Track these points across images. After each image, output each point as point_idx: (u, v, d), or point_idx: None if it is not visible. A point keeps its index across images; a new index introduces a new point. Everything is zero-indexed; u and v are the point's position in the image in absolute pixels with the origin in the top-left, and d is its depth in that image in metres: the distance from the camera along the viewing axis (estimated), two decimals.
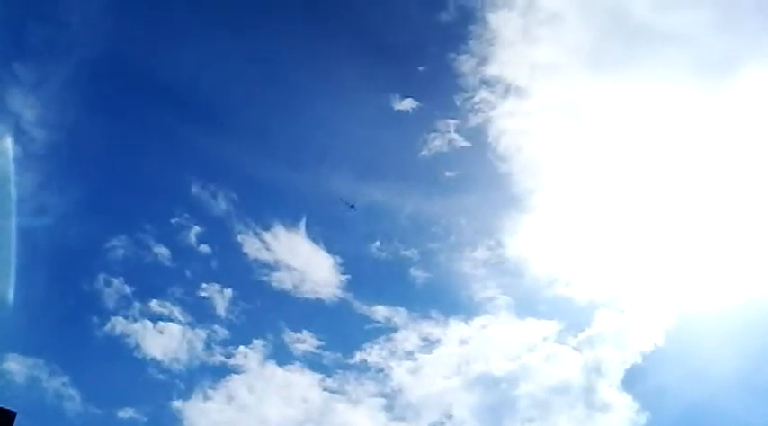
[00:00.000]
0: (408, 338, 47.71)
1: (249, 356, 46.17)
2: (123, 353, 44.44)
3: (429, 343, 47.71)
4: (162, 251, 46.92)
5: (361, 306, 48.19)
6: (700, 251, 48.70)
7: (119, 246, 46.14)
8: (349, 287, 48.11)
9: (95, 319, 45.01)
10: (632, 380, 44.86)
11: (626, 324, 46.52)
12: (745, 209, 48.17)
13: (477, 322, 48.09)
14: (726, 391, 43.88)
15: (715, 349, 44.65)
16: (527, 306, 48.61)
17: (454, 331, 47.97)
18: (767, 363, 44.55)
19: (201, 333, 46.00)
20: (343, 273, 48.29)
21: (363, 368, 46.87)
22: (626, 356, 45.31)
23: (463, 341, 47.87)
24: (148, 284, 47.31)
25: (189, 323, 46.02)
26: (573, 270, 48.46)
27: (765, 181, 48.12)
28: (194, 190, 48.04)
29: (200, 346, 45.72)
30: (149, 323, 45.14)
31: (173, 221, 48.33)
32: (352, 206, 47.66)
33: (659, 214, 50.06)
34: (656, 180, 49.78)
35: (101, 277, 45.40)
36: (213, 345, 45.93)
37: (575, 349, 46.37)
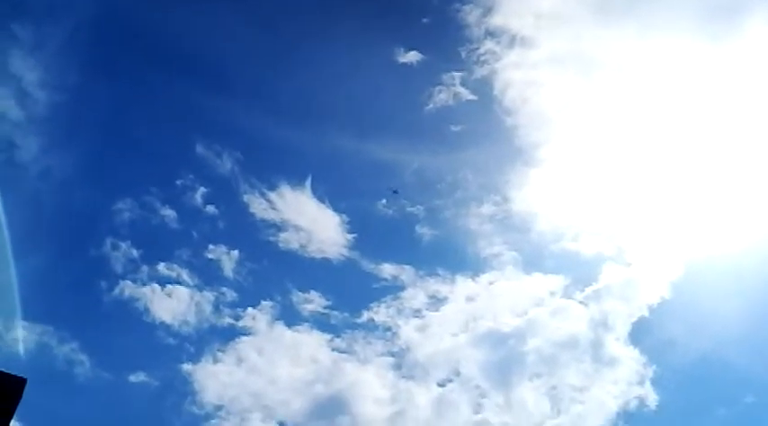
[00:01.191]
0: (415, 296, 47.62)
1: (257, 317, 46.16)
2: (132, 317, 44.36)
3: (436, 301, 47.64)
4: (168, 213, 46.44)
5: (367, 265, 47.99)
6: (705, 202, 48.40)
7: (125, 209, 45.62)
8: (355, 245, 47.82)
9: (103, 284, 44.62)
10: (639, 334, 45.03)
11: (633, 278, 46.40)
12: (752, 159, 47.61)
13: (484, 278, 47.93)
14: (734, 342, 44.28)
15: (722, 300, 44.85)
16: (534, 261, 48.42)
17: (461, 288, 47.84)
18: None
19: (210, 296, 45.88)
20: (350, 232, 47.97)
21: (371, 327, 46.91)
22: (633, 309, 45.33)
23: (470, 298, 47.81)
24: (156, 247, 46.97)
25: (197, 286, 45.83)
26: (580, 225, 47.98)
27: None
28: (199, 150, 47.29)
29: (208, 309, 45.65)
30: (157, 287, 44.93)
31: (178, 182, 47.68)
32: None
33: (666, 165, 49.50)
34: (663, 130, 48.99)
35: (108, 241, 44.89)
36: (221, 307, 45.84)
37: (581, 303, 46.34)
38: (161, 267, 45.33)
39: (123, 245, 44.84)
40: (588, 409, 43.82)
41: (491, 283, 47.93)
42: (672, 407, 43.55)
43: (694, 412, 43.82)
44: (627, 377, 44.22)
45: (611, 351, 44.99)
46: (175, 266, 45.59)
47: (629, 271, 46.82)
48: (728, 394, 44.18)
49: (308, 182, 48.02)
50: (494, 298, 47.72)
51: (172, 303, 44.89)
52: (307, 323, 46.47)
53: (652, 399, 43.29)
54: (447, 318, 47.43)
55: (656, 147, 49.53)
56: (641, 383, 43.84)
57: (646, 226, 48.89)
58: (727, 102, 47.63)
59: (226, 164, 47.36)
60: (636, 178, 49.93)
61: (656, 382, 43.56)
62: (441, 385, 45.59)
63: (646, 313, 45.07)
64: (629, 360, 44.50)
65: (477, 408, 44.64)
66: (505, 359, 45.49)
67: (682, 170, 49.46)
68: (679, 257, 46.03)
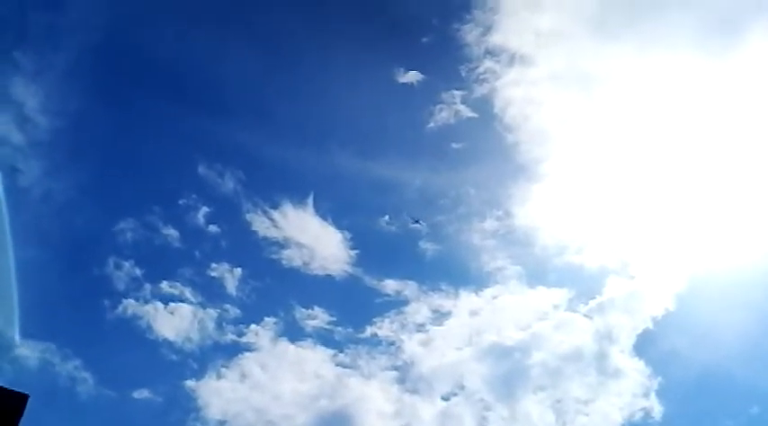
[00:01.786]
0: (419, 310, 48.01)
1: (261, 334, 46.57)
2: (135, 335, 44.77)
3: (440, 315, 48.04)
4: (171, 232, 47.07)
5: (371, 281, 48.48)
6: (708, 215, 48.51)
7: (127, 229, 46.22)
8: (358, 262, 48.29)
9: (107, 302, 45.17)
10: (644, 346, 45.16)
11: (636, 290, 46.61)
12: (753, 173, 47.79)
13: (488, 292, 48.34)
14: (738, 354, 44.39)
15: (726, 312, 44.98)
16: (537, 274, 48.72)
17: (464, 302, 48.24)
18: None
19: (213, 313, 46.34)
20: (353, 248, 48.45)
21: (375, 341, 47.26)
22: (637, 322, 45.50)
23: (474, 312, 48.12)
24: (158, 266, 47.49)
25: (200, 303, 46.33)
26: (583, 238, 48.50)
27: None
28: (201, 170, 48.03)
29: (211, 325, 46.09)
30: (160, 305, 45.43)
31: (180, 202, 48.41)
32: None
33: (667, 179, 49.68)
34: (663, 145, 49.31)
35: (111, 260, 45.48)
36: (225, 324, 46.30)
37: (585, 316, 46.61)
38: (164, 285, 45.94)
39: (126, 264, 45.51)
40: (593, 421, 44.06)
41: (494, 297, 48.42)
42: (677, 419, 43.70)
43: (700, 423, 43.96)
44: (632, 389, 44.38)
45: (615, 364, 45.19)
46: (178, 284, 46.19)
47: (633, 284, 47.15)
48: (733, 406, 44.25)
49: (311, 200, 48.66)
50: (497, 312, 48.08)
51: (175, 320, 45.47)
52: (310, 339, 46.99)
53: (657, 411, 43.48)
54: (451, 332, 47.84)
55: (657, 162, 49.82)
56: (646, 395, 44.04)
57: (649, 240, 49.23)
58: (728, 117, 48.14)
59: (228, 184, 48.09)
60: (638, 192, 50.21)
61: (660, 394, 43.77)
62: (445, 398, 45.93)
63: (650, 325, 45.32)
64: (634, 372, 44.67)
65: (482, 421, 44.91)
66: (510, 372, 45.78)
67: (684, 183, 49.77)
68: (683, 270, 46.55)
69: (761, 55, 45.83)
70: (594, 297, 46.74)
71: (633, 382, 44.32)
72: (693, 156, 48.90)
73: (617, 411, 43.84)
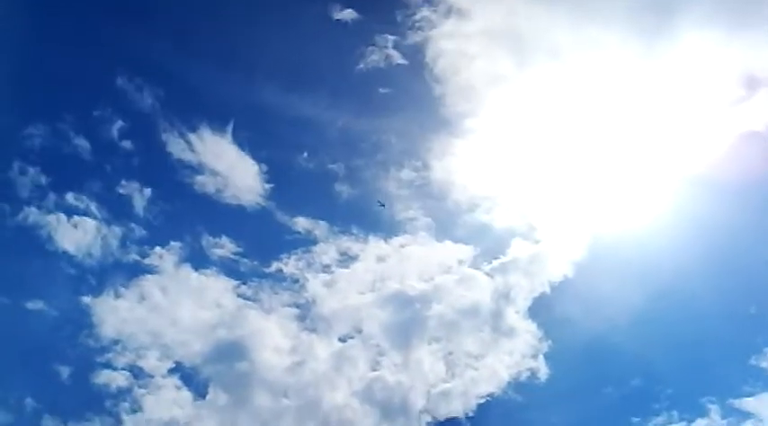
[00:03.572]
0: (327, 251, 48.21)
1: (164, 257, 46.11)
2: (34, 244, 43.89)
3: (347, 258, 48.34)
4: (82, 143, 45.86)
5: (282, 216, 48.35)
6: (617, 188, 49.74)
7: (36, 135, 44.86)
8: (272, 195, 48.05)
9: (7, 207, 43.92)
10: (539, 309, 46.53)
11: (539, 254, 47.64)
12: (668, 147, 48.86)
13: (397, 241, 48.84)
14: (626, 326, 46.18)
15: (621, 284, 46.74)
16: (446, 229, 49.09)
17: (373, 248, 48.60)
18: (668, 301, 46.75)
19: (117, 231, 45.66)
20: (268, 182, 48.11)
21: (279, 277, 47.32)
22: (535, 285, 46.78)
23: (380, 259, 48.55)
24: (65, 176, 46.16)
25: (105, 220, 45.56)
26: (495, 198, 48.77)
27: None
28: (120, 82, 46.67)
29: (114, 243, 45.44)
30: (63, 217, 44.54)
31: (95, 113, 47.05)
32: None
33: (585, 150, 50.46)
34: (583, 116, 49.96)
35: (15, 165, 44.17)
36: (128, 243, 45.69)
37: (487, 274, 47.54)
38: (69, 196, 45.01)
39: (32, 171, 44.33)
40: (481, 375, 45.19)
41: (402, 246, 48.92)
42: (560, 382, 44.99)
43: (582, 388, 45.28)
44: (522, 349, 45.75)
45: (509, 323, 46.41)
46: (84, 197, 45.27)
47: (537, 248, 48.19)
48: (616, 376, 45.83)
49: (230, 128, 47.95)
50: (403, 261, 48.58)
51: (77, 234, 44.64)
52: (214, 268, 46.79)
53: (543, 372, 45.09)
54: (355, 276, 48.21)
55: (576, 131, 50.41)
56: (535, 356, 45.50)
57: (558, 206, 49.84)
58: (648, 92, 49.08)
59: (146, 100, 46.91)
60: (554, 159, 50.73)
61: (548, 357, 45.28)
62: (342, 340, 46.44)
63: (547, 289, 46.76)
64: (526, 334, 46.03)
65: (375, 365, 45.71)
66: (408, 321, 46.50)
67: (601, 155, 50.56)
68: (584, 239, 47.29)
69: (687, 41, 46.74)
70: (498, 257, 47.82)
71: (524, 343, 45.76)
72: (610, 130, 49.78)
73: (505, 368, 45.24)
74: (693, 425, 43.76)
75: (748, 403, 43.87)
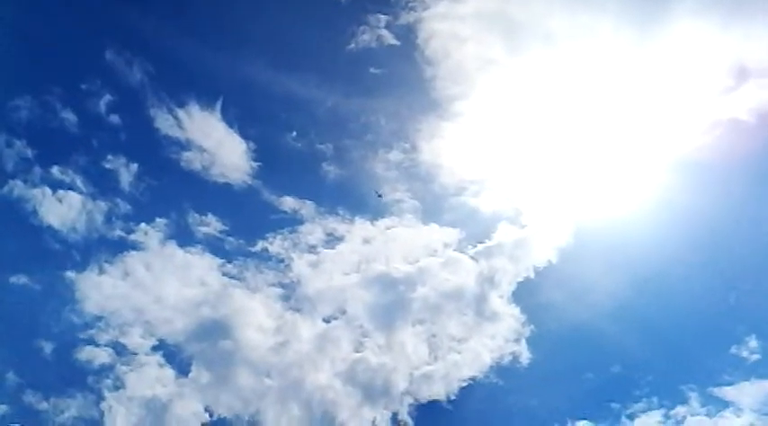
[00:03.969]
0: (313, 232, 48.22)
1: (150, 234, 45.97)
2: (19, 218, 43.67)
3: (333, 239, 48.40)
4: (69, 116, 45.51)
5: (269, 195, 48.25)
6: (605, 175, 49.78)
7: (23, 107, 44.41)
8: (259, 174, 47.90)
9: None
10: (522, 294, 46.71)
11: (524, 239, 47.81)
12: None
13: (383, 223, 48.90)
14: (608, 313, 46.44)
15: (604, 271, 47.07)
16: (433, 211, 49.25)
17: (359, 229, 48.70)
18: (650, 289, 47.08)
19: (103, 206, 45.44)
20: (255, 160, 47.94)
21: (265, 256, 47.30)
22: (520, 270, 46.95)
23: (366, 240, 48.62)
24: (52, 149, 45.79)
25: (90, 194, 45.30)
26: (482, 182, 48.80)
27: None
28: (109, 56, 46.16)
29: (99, 219, 45.22)
30: (49, 191, 44.27)
31: (83, 86, 46.59)
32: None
33: (575, 135, 50.42)
34: (574, 103, 49.93)
35: (1, 137, 43.76)
36: (114, 219, 45.52)
37: (472, 258, 47.68)
38: (55, 170, 44.71)
39: (18, 144, 43.91)
40: (464, 359, 45.30)
41: (389, 228, 49.00)
42: (542, 367, 45.25)
43: (563, 373, 45.57)
44: (505, 333, 45.90)
45: (493, 307, 46.59)
46: (70, 171, 44.97)
47: (523, 233, 48.29)
48: (597, 361, 46.07)
49: (219, 105, 47.64)
50: (389, 243, 48.68)
51: (62, 208, 44.36)
52: (200, 246, 46.69)
53: (525, 357, 45.23)
54: (341, 257, 48.26)
55: (565, 117, 50.43)
56: (518, 340, 45.66)
57: (545, 192, 49.98)
58: (637, 83, 49.07)
59: (135, 75, 46.48)
60: (543, 145, 50.77)
61: (531, 341, 45.45)
62: (326, 320, 46.51)
63: (531, 275, 46.90)
64: (509, 318, 46.22)
65: (359, 347, 45.80)
66: (392, 303, 46.60)
67: (589, 142, 50.63)
68: (570, 225, 47.43)
69: (680, 35, 46.71)
70: (484, 241, 47.95)
71: (507, 327, 45.97)
72: (602, 114, 49.71)
73: (488, 352, 45.43)
74: (673, 412, 44.00)
75: (727, 392, 44.22)
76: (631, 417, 44.11)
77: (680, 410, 44.17)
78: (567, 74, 50.25)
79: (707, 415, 43.96)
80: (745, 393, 44.31)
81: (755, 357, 44.93)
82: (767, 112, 47.72)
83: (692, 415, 44.01)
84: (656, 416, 44.10)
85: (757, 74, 47.90)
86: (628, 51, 48.76)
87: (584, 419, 43.75)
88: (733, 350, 45.30)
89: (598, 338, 46.33)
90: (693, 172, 48.12)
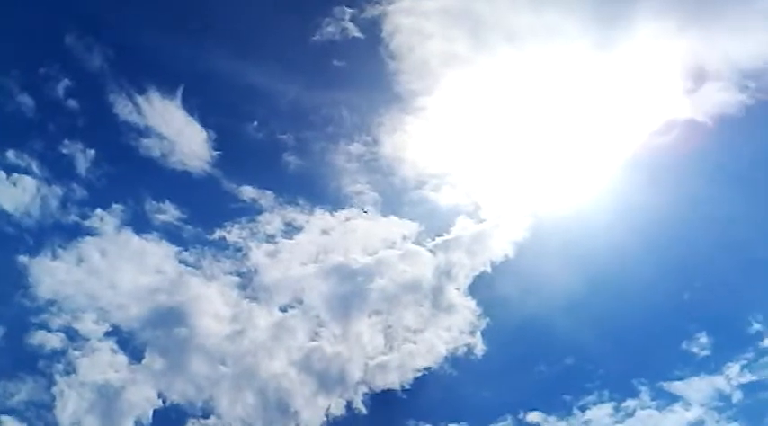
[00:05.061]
0: (271, 221, 48.15)
1: (106, 220, 45.62)
2: None
3: (291, 229, 48.34)
4: (25, 100, 45.01)
5: (228, 184, 48.10)
6: (564, 173, 50.36)
7: None
8: (219, 163, 47.74)
9: None
10: (479, 287, 47.07)
11: (482, 234, 48.10)
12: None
13: (342, 214, 48.89)
14: (562, 308, 46.95)
15: (560, 266, 47.60)
16: (392, 204, 49.29)
17: (318, 220, 48.65)
18: (604, 284, 47.75)
19: (58, 190, 45.00)
20: (215, 149, 47.79)
21: (222, 245, 47.16)
22: (477, 263, 47.28)
23: (325, 232, 48.61)
24: (6, 133, 45.33)
25: (46, 179, 44.84)
26: (443, 176, 49.10)
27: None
28: (68, 40, 45.74)
29: (54, 203, 44.79)
30: (3, 174, 43.77)
31: (41, 70, 46.08)
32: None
33: (535, 133, 50.94)
34: (538, 98, 50.39)
35: None
36: (69, 204, 45.08)
37: (430, 251, 47.89)
38: (10, 154, 44.18)
39: None
40: (419, 349, 45.68)
41: (348, 219, 49.01)
42: (496, 358, 45.84)
43: (516, 365, 46.36)
44: (460, 325, 46.32)
45: (449, 300, 46.91)
46: (25, 155, 44.48)
47: (481, 227, 48.61)
48: (550, 354, 46.73)
49: (179, 93, 47.45)
50: (348, 234, 48.68)
51: (16, 192, 43.91)
52: (156, 233, 46.44)
53: (479, 349, 45.72)
54: (299, 247, 48.18)
55: (526, 115, 50.89)
56: (473, 333, 46.10)
57: (505, 188, 50.35)
58: (598, 84, 49.68)
59: (95, 60, 46.07)
60: (504, 141, 51.16)
61: (485, 334, 45.91)
62: (282, 310, 46.53)
63: (488, 269, 47.31)
64: (465, 310, 46.58)
65: (314, 336, 45.93)
66: (349, 293, 46.76)
67: (549, 141, 51.16)
68: (527, 221, 47.97)
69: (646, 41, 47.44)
70: (442, 235, 48.23)
71: (463, 319, 46.35)
72: (563, 113, 50.32)
73: (443, 343, 45.79)
74: (623, 405, 44.74)
75: (677, 387, 45.06)
76: (582, 409, 44.83)
77: (630, 403, 44.97)
78: (529, 72, 50.66)
79: (657, 409, 44.80)
80: (694, 388, 45.22)
81: (705, 353, 45.90)
82: (723, 114, 48.56)
83: (642, 408, 44.82)
84: (606, 408, 44.87)
85: (715, 77, 48.72)
86: (589, 51, 49.24)
87: (536, 410, 44.41)
88: (684, 345, 46.26)
89: (552, 332, 46.95)
90: (650, 170, 48.82)
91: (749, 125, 47.63)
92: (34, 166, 44.46)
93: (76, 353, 42.51)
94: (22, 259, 43.21)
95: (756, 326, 45.68)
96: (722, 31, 47.82)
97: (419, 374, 44.74)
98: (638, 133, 49.69)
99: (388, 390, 44.30)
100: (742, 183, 48.12)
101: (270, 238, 47.86)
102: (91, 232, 45.10)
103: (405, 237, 48.48)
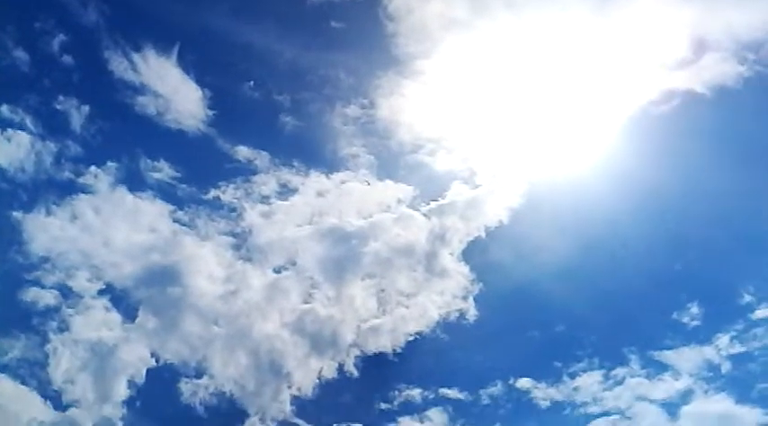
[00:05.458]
0: (267, 182, 48.06)
1: (100, 177, 45.42)
2: None
3: (286, 191, 48.27)
4: (20, 55, 44.51)
5: (223, 144, 47.90)
6: (560, 139, 50.23)
7: None
8: (214, 122, 47.48)
9: None
10: (472, 252, 47.04)
11: (477, 199, 48.08)
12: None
13: (338, 176, 48.81)
14: (555, 274, 46.94)
15: (554, 232, 47.70)
16: (388, 168, 49.21)
17: (313, 182, 48.60)
18: (597, 252, 47.98)
19: (52, 147, 44.74)
20: (211, 108, 47.49)
21: (217, 205, 47.10)
22: (471, 229, 47.27)
23: (320, 194, 48.57)
24: (1, 88, 44.88)
25: (40, 135, 44.54)
26: (439, 141, 48.94)
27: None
28: None
29: (49, 160, 44.54)
30: None
31: (36, 25, 45.53)
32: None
33: (533, 98, 50.67)
34: (536, 64, 50.10)
35: None
36: (63, 161, 44.85)
37: (425, 215, 47.88)
38: (4, 109, 43.77)
39: None
40: (412, 313, 45.84)
41: (343, 182, 48.97)
42: (488, 324, 45.95)
43: (508, 330, 46.48)
44: (453, 290, 46.41)
45: (443, 264, 46.93)
46: (20, 111, 44.10)
47: (476, 192, 48.61)
48: (542, 321, 46.85)
49: (176, 50, 46.95)
50: (343, 197, 48.67)
51: (10, 147, 43.59)
52: (151, 191, 46.30)
53: (472, 314, 45.85)
54: (294, 209, 48.18)
55: (524, 81, 50.55)
56: (465, 298, 46.22)
57: (501, 154, 50.28)
58: (596, 51, 49.41)
59: (91, 15, 45.52)
60: (501, 107, 50.90)
61: (478, 299, 46.01)
62: (276, 271, 46.52)
63: (483, 234, 47.30)
64: (458, 276, 46.67)
65: (308, 298, 46.04)
66: (343, 256, 46.76)
67: (547, 106, 50.96)
68: (521, 186, 47.93)
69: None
70: (437, 199, 48.21)
71: (456, 284, 46.43)
72: (561, 80, 50.03)
73: (435, 308, 45.96)
74: (613, 372, 45.03)
75: (668, 356, 45.30)
76: (572, 376, 45.21)
77: (620, 371, 45.29)
78: (528, 37, 50.28)
79: (646, 377, 45.12)
80: (684, 357, 45.50)
81: (695, 323, 46.08)
82: (723, 85, 48.32)
83: (632, 377, 45.15)
84: (596, 376, 45.23)
85: (715, 48, 48.40)
86: (589, 19, 48.99)
87: (526, 376, 44.77)
88: (675, 315, 46.43)
89: (544, 298, 47.10)
90: (647, 140, 48.70)
91: (747, 97, 47.59)
92: (29, 122, 44.26)
93: (70, 311, 42.65)
94: (16, 215, 43.20)
95: (747, 298, 45.91)
96: (725, 1, 47.62)
97: (411, 338, 45.02)
98: (635, 102, 49.56)
99: (380, 353, 44.60)
100: (737, 156, 48.03)
101: (264, 199, 47.91)
102: (85, 189, 45.09)
103: (399, 201, 48.54)
